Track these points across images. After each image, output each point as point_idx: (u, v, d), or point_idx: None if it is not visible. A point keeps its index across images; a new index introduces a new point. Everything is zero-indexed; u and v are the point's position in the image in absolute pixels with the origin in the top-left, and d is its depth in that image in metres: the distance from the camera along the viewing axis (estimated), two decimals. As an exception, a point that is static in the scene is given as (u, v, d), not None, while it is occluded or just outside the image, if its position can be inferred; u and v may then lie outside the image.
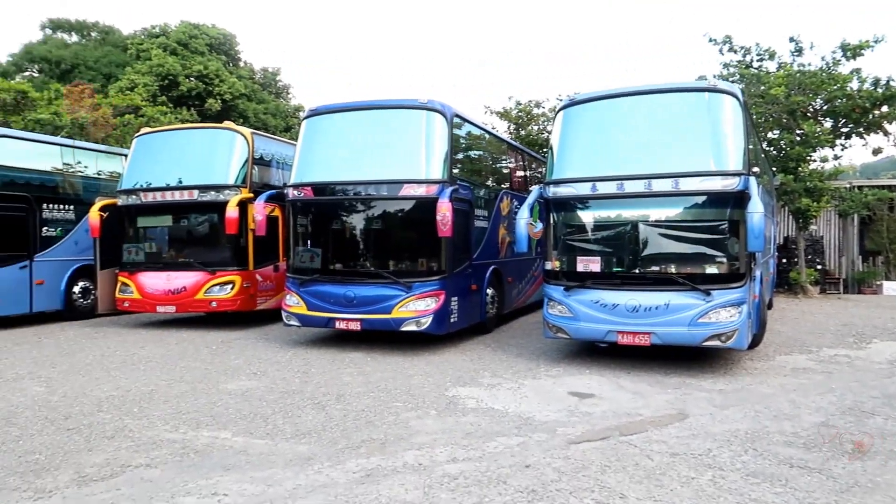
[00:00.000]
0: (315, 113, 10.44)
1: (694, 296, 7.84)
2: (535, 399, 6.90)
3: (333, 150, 10.26)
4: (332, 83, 71.07)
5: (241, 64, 41.54)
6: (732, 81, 17.81)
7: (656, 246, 8.39)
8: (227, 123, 13.66)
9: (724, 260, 8.09)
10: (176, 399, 6.95)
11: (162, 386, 7.58)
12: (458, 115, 10.27)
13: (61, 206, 13.74)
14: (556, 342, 9.94)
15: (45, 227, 13.28)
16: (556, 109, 9.46)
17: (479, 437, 5.56)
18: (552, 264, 8.96)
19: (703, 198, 8.12)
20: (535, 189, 9.42)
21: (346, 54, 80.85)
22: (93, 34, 42.13)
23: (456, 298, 9.77)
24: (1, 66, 34.54)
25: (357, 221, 10.16)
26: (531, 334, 11.35)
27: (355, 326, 9.57)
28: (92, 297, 13.92)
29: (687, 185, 7.93)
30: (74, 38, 41.70)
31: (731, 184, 7.74)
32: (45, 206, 13.33)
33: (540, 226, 9.39)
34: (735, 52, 19.36)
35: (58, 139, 16.27)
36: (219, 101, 33.91)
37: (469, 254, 10.42)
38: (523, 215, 8.87)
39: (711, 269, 8.12)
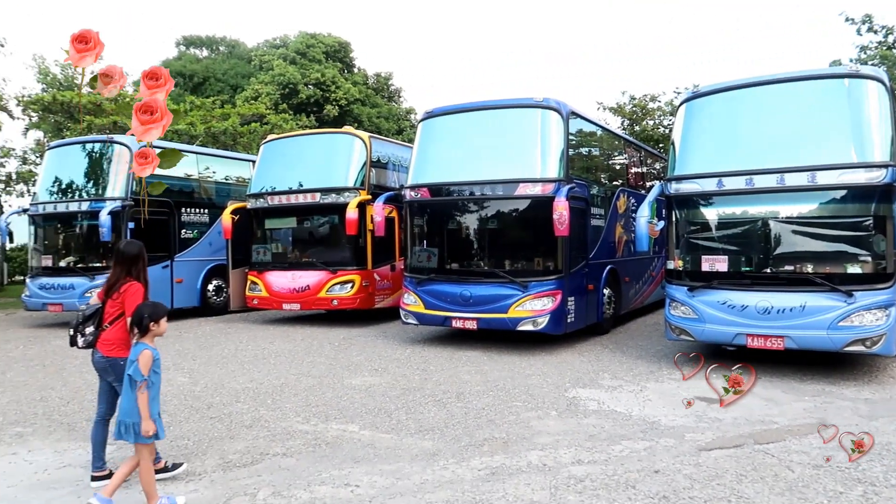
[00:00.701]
0: (431, 115, 10.63)
1: (834, 297, 7.31)
2: (659, 403, 6.69)
3: (449, 151, 10.41)
4: (442, 85, 72.09)
5: (356, 70, 42.93)
6: (873, 66, 16.48)
7: (791, 244, 7.91)
8: (346, 128, 14.20)
9: (869, 259, 7.49)
10: (305, 392, 7.29)
11: (291, 379, 7.99)
12: (573, 113, 10.13)
13: (197, 210, 14.78)
14: (679, 344, 9.59)
15: (184, 230, 14.33)
16: (678, 103, 9.12)
17: (603, 439, 5.46)
18: (674, 263, 8.65)
19: (844, 192, 7.55)
20: (655, 186, 9.14)
21: (455, 56, 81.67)
22: (221, 48, 44.99)
23: (572, 298, 9.64)
24: (142, 81, 37.59)
25: (473, 221, 10.25)
26: (651, 336, 11.01)
27: (471, 325, 9.65)
28: (224, 294, 14.87)
29: (826, 178, 7.42)
30: (205, 52, 44.69)
31: (877, 176, 7.16)
32: (183, 210, 14.39)
33: (661, 224, 9.08)
34: (875, 32, 17.89)
35: (194, 147, 17.54)
36: (336, 107, 35.24)
37: (585, 253, 10.26)
38: (643, 213, 8.62)
39: (854, 269, 7.55)
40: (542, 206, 9.21)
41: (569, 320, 9.56)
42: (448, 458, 5.05)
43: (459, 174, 10.06)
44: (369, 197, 12.28)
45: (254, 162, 15.04)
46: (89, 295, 12.81)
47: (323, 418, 6.24)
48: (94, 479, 4.58)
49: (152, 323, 4.16)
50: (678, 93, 24.55)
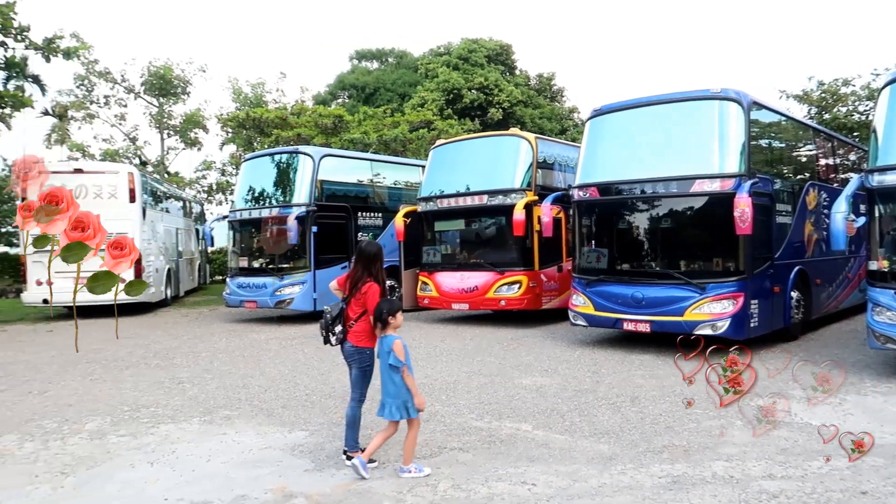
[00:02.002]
0: (599, 113, 10.43)
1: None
2: (862, 418, 6.06)
3: (619, 149, 10.15)
4: (605, 83, 70.37)
5: (518, 72, 43.17)
6: None
7: None
8: (513, 130, 14.33)
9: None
10: (477, 390, 7.46)
11: (463, 377, 8.20)
12: (755, 103, 9.46)
13: (371, 214, 15.64)
14: (884, 354, 8.62)
15: (360, 233, 15.22)
16: (880, 85, 8.21)
17: (797, 454, 5.04)
18: (878, 264, 7.79)
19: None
20: (853, 179, 8.30)
21: (618, 52, 79.33)
22: (390, 59, 47.24)
23: (756, 301, 9.00)
24: (320, 95, 40.45)
25: (645, 220, 9.91)
26: (848, 344, 9.99)
27: (644, 328, 9.34)
28: (397, 294, 15.59)
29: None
30: (375, 64, 47.18)
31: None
32: (359, 214, 15.29)
33: (861, 220, 8.22)
34: None
35: (367, 155, 18.60)
36: (499, 110, 35.67)
37: (770, 253, 9.52)
38: (839, 208, 7.86)
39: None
40: (721, 203, 8.71)
41: (752, 325, 8.94)
42: (626, 462, 4.93)
43: (630, 172, 9.76)
44: (536, 198, 12.29)
45: (423, 167, 15.62)
46: (279, 294, 14.05)
47: (496, 416, 6.35)
48: (347, 456, 4.99)
49: (390, 317, 4.78)
50: (877, 75, 22.07)
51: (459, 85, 35.58)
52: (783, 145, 11.36)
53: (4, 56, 15.47)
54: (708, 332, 8.74)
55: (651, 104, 9.89)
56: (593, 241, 10.61)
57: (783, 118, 11.29)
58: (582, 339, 11.02)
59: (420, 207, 14.15)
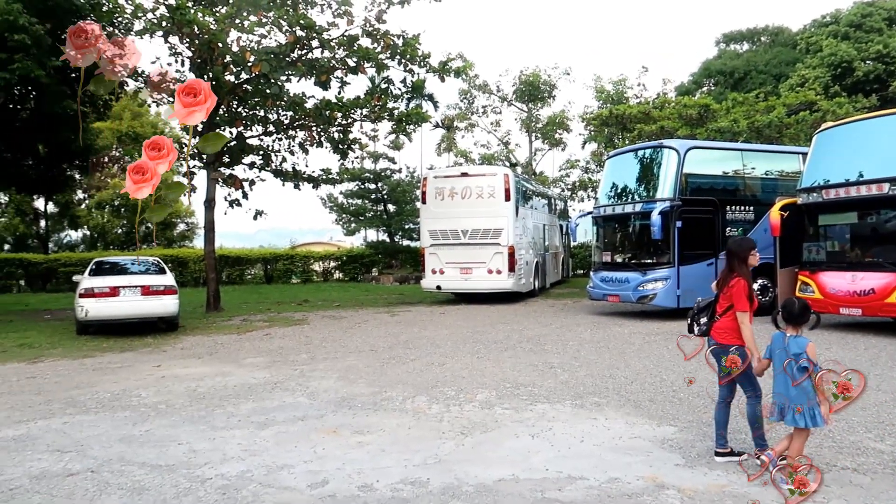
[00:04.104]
0: None
1: None
2: None
3: None
4: None
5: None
6: None
7: None
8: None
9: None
10: (875, 408, 6.53)
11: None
12: None
13: (741, 208, 14.64)
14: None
15: (728, 228, 14.37)
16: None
17: None
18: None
19: None
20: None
21: None
22: (762, 38, 43.30)
23: None
24: (683, 86, 39.01)
25: None
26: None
27: None
28: (770, 294, 14.34)
29: None
30: (745, 46, 43.70)
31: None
32: (727, 208, 14.44)
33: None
34: None
35: (737, 144, 17.43)
36: (904, 81, 30.05)
37: None
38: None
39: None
40: None
41: None
42: None
43: None
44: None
45: (804, 154, 14.06)
46: (642, 289, 14.10)
47: (900, 439, 5.50)
48: (717, 454, 5.04)
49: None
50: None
51: (850, 57, 30.94)
52: None
53: (412, 81, 18.37)
54: None
55: None
56: None
57: None
58: None
59: (800, 199, 12.76)
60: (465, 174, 19.08)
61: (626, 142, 24.42)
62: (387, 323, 14.49)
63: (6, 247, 33.87)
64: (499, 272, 17.91)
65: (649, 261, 14.46)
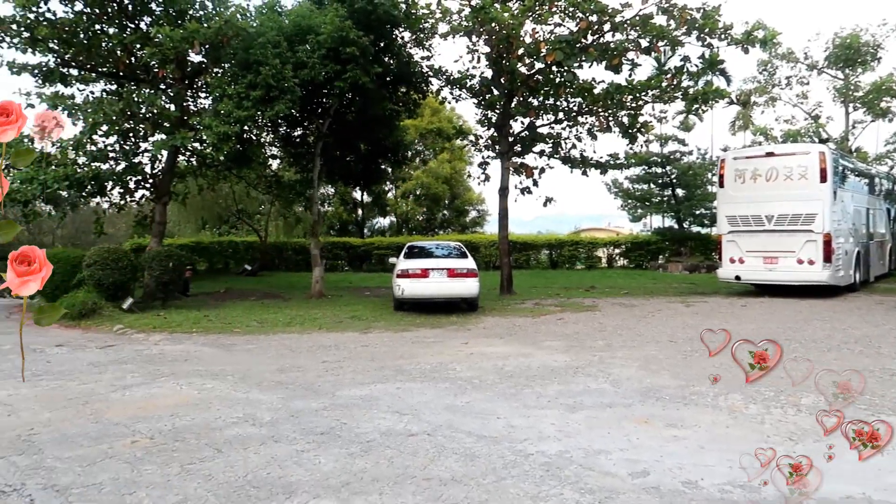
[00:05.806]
0: None
1: None
2: None
3: None
4: None
5: None
6: None
7: None
8: None
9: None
10: None
11: None
12: None
13: None
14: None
15: None
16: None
17: None
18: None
19: None
20: None
21: None
22: None
23: None
24: None
25: None
26: None
27: None
28: None
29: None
30: None
31: None
32: None
33: None
34: None
35: None
36: None
37: None
38: None
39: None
40: None
41: None
42: None
43: None
44: None
45: None
46: None
47: None
48: None
49: None
50: None
51: None
52: None
53: (708, 55, 17.17)
54: None
55: None
56: None
57: None
58: None
59: None
60: (770, 154, 17.33)
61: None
62: (682, 313, 13.85)
63: (332, 232, 39.38)
64: (811, 262, 15.96)
65: None
